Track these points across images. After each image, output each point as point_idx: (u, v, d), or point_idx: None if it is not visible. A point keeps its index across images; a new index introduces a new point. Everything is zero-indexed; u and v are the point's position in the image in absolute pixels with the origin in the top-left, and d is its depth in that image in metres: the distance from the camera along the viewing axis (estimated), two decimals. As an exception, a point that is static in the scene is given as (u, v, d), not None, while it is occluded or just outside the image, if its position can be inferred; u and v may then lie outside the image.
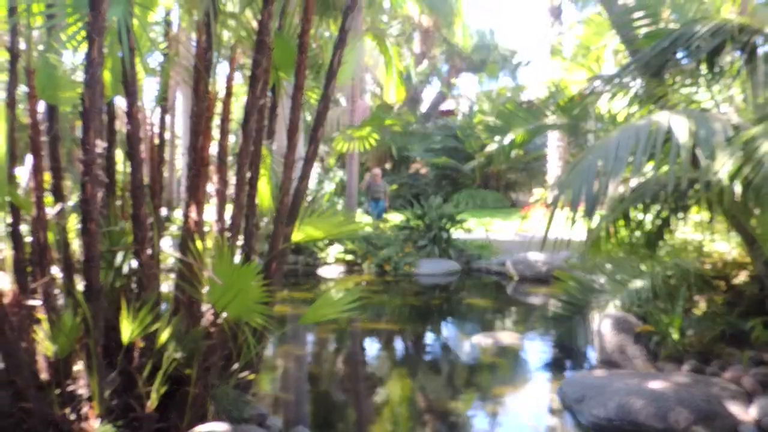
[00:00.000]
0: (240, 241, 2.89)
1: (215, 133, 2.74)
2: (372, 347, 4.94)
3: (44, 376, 2.44)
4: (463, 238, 9.65)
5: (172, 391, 2.53)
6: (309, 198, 10.29)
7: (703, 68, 3.96)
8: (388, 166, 20.08)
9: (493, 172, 17.68)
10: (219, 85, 2.73)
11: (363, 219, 10.74)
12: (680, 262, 4.18)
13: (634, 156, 2.78)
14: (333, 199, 12.15)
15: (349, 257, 9.00)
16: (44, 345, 2.39)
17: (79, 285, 2.46)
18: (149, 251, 2.59)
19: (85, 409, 2.35)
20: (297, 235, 3.07)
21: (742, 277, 3.99)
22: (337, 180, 15.79)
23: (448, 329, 5.60)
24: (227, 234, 2.78)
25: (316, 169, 15.65)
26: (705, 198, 3.46)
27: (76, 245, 2.54)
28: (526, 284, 8.09)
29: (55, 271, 2.54)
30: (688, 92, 4.00)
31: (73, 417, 2.35)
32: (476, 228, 10.19)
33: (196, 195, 2.68)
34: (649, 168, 3.84)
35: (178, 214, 10.45)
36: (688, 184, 3.51)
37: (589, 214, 2.78)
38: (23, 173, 2.66)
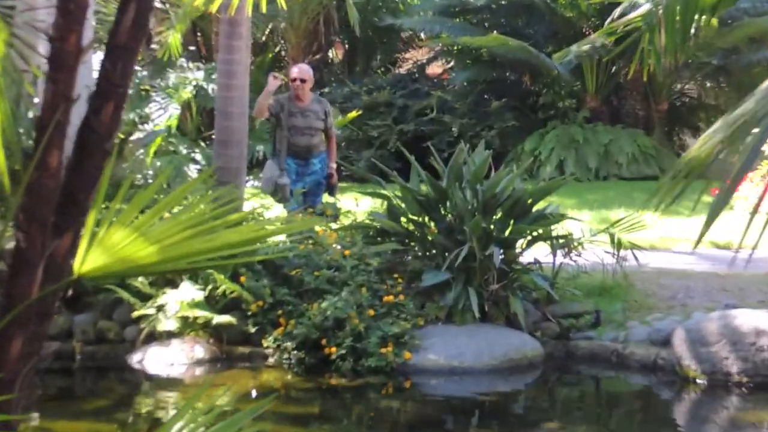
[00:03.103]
0: None
1: None
2: None
3: None
4: (549, 263, 10.05)
5: None
6: (116, 146, 10.21)
7: None
8: (334, 55, 20.68)
9: (636, 74, 17.83)
10: None
11: (267, 209, 11.05)
12: None
13: None
14: (176, 150, 12.67)
15: (224, 319, 9.36)
16: None
17: None
18: None
19: None
20: (89, 260, 3.23)
21: None
22: (188, 97, 16.05)
23: None
24: None
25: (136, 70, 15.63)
26: None
27: None
28: (730, 396, 8.40)
29: None
30: None
31: None
32: (592, 234, 10.47)
33: None
34: None
35: None
36: None
37: None
38: None
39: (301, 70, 11.77)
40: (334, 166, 11.70)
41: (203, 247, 3.25)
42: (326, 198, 11.67)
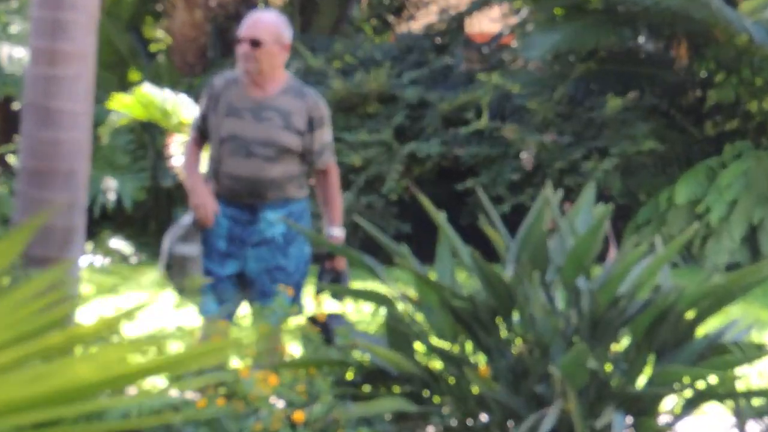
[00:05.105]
0: None
1: None
2: None
3: None
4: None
5: None
6: None
7: None
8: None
9: None
10: None
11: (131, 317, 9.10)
12: None
13: None
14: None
15: None
16: None
17: None
18: None
19: None
20: None
21: None
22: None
23: None
24: None
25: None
26: None
27: None
28: None
29: None
30: None
31: None
32: None
33: None
34: None
35: None
36: None
37: None
38: None
39: (257, 22, 7.64)
40: (340, 234, 7.82)
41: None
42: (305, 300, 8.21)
